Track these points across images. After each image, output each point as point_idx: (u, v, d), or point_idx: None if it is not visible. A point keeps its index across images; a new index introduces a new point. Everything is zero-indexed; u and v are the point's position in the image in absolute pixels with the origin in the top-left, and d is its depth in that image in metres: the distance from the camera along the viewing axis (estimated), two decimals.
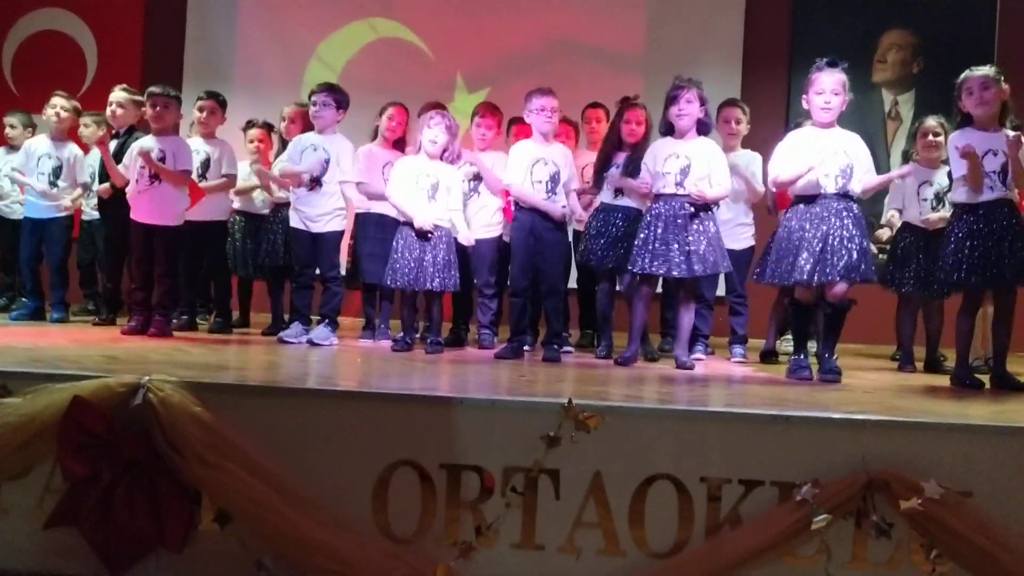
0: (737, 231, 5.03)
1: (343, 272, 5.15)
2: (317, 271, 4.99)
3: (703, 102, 4.39)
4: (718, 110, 5.08)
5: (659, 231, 4.30)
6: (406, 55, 7.11)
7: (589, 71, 6.81)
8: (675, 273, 4.26)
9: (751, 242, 5.09)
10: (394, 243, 4.65)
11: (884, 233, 5.09)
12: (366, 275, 5.24)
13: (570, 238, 4.94)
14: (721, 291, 5.16)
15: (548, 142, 4.68)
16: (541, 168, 4.64)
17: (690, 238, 4.26)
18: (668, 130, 4.45)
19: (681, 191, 4.31)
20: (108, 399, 2.85)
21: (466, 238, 4.60)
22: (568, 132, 5.34)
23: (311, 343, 4.79)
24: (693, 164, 4.35)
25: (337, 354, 4.58)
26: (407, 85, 6.54)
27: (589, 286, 5.34)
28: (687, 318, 4.45)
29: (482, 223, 5.08)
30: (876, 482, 2.76)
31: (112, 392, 2.86)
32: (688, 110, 4.37)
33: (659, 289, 4.76)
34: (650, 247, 4.29)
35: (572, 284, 5.39)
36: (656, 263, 4.29)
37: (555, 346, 4.60)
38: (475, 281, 5.11)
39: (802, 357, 4.15)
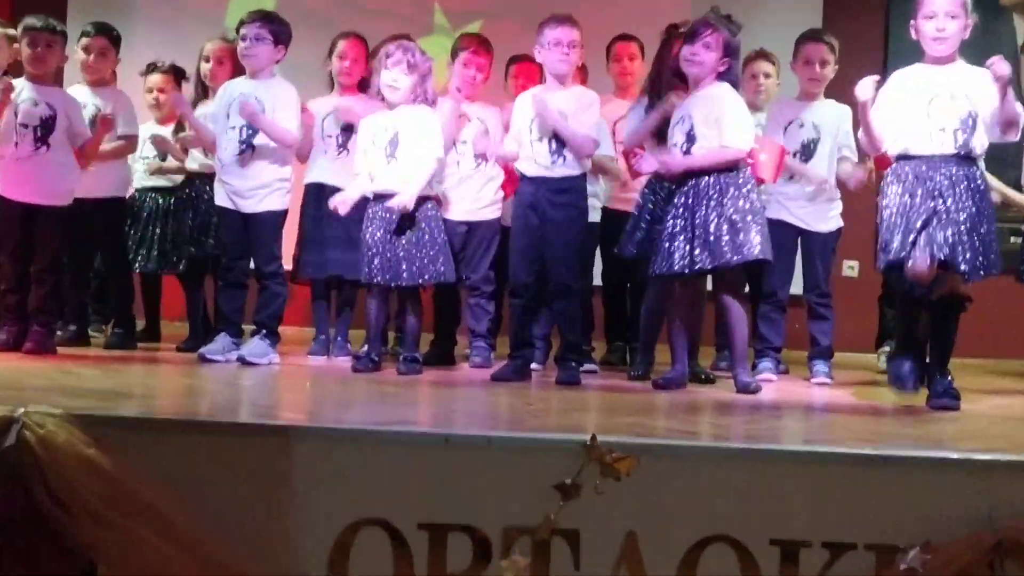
0: (819, 209, 5.06)
1: (287, 266, 5.22)
2: (251, 264, 5.03)
3: (729, 52, 4.43)
4: (796, 46, 5.09)
5: (671, 221, 4.42)
6: None
7: None
8: (676, 269, 4.37)
9: (839, 222, 5.13)
10: (363, 224, 4.73)
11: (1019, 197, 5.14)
12: (305, 267, 5.30)
13: (591, 217, 4.96)
14: (798, 287, 5.20)
15: (564, 86, 4.66)
16: (544, 122, 4.61)
17: (697, 221, 4.34)
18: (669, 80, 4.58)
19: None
20: None
21: (400, 203, 4.57)
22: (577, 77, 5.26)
23: (243, 361, 4.82)
24: (696, 124, 4.41)
25: (279, 376, 4.64)
26: (368, 20, 6.57)
27: (619, 282, 5.40)
28: (737, 324, 4.48)
29: (484, 201, 5.16)
30: (1007, 544, 2.76)
31: None
32: (702, 57, 4.42)
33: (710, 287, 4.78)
34: (664, 241, 4.42)
35: (597, 280, 5.43)
36: (666, 260, 4.39)
37: (572, 363, 4.62)
38: (466, 277, 5.14)
39: (906, 364, 4.12)
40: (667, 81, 4.71)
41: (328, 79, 5.41)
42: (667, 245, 4.43)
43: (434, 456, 2.90)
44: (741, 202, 4.38)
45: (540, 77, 4.88)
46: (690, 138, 4.45)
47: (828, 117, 5.05)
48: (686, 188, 4.43)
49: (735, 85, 4.53)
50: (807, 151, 5.06)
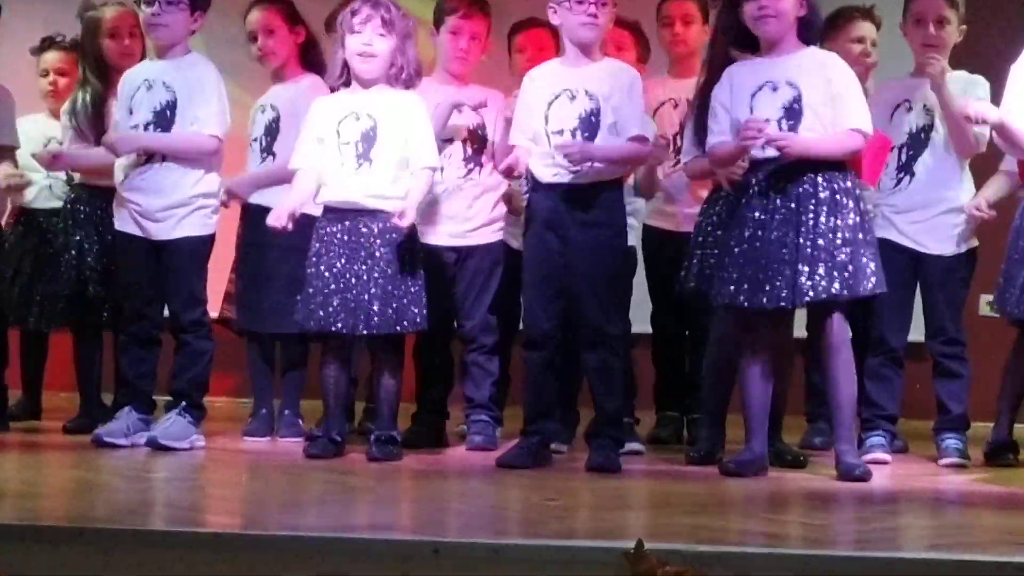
0: (939, 223, 5.01)
1: (213, 312, 5.24)
2: (164, 311, 5.05)
3: None
4: (905, 1, 5.06)
5: (754, 232, 4.45)
6: None
7: None
8: (769, 301, 4.40)
9: (973, 241, 5.06)
10: (310, 252, 4.73)
11: None
12: (241, 316, 5.34)
13: (632, 240, 5.00)
14: (918, 334, 5.18)
15: (588, 58, 4.71)
16: (564, 107, 4.65)
17: (804, 233, 4.36)
18: (741, 43, 4.59)
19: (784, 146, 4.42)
20: None
21: (407, 220, 4.62)
22: (623, 40, 5.30)
23: (156, 446, 4.82)
24: (806, 94, 4.45)
25: (205, 466, 4.62)
26: None
27: (674, 330, 5.40)
28: (843, 382, 4.48)
29: (480, 219, 5.19)
30: None
31: None
32: (778, 5, 4.45)
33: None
34: (738, 263, 4.46)
35: (643, 326, 5.44)
36: (748, 289, 4.43)
37: (610, 442, 4.64)
38: (461, 324, 5.18)
39: None
40: (721, 57, 4.74)
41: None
42: (746, 269, 4.44)
43: (421, 573, 2.89)
44: (855, 215, 4.43)
45: (556, 48, 4.91)
46: (792, 113, 4.47)
47: (954, 90, 4.95)
48: (787, 188, 4.45)
49: (817, 36, 4.59)
50: (915, 143, 5.04)
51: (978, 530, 3.53)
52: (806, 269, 4.37)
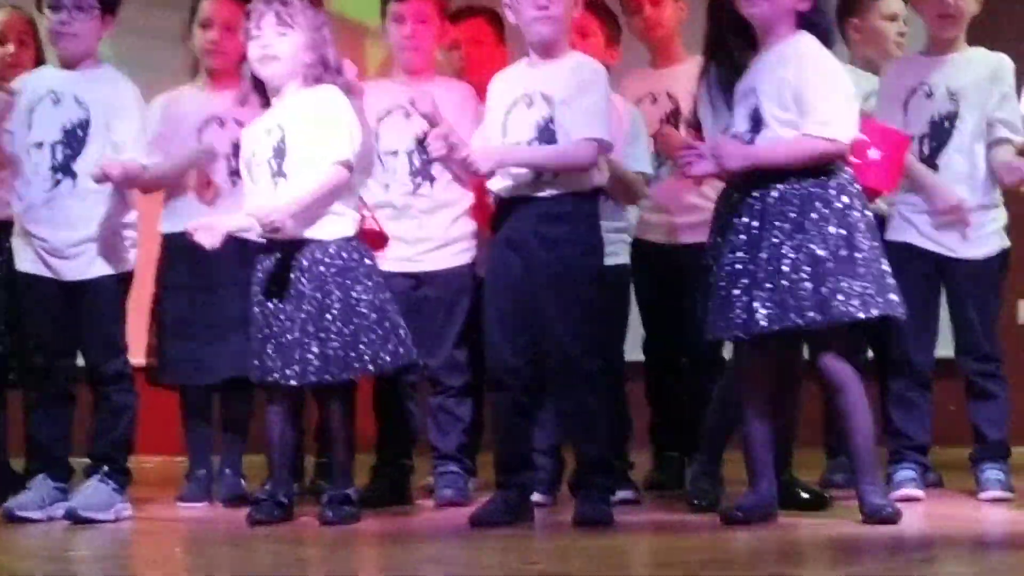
0: (976, 218, 4.97)
1: (136, 359, 5.16)
2: (80, 361, 5.00)
3: None
4: None
5: (729, 252, 4.47)
6: None
7: None
8: (738, 329, 4.42)
9: (1000, 241, 5.06)
10: (252, 291, 4.74)
11: None
12: (174, 367, 5.25)
13: (617, 258, 5.05)
14: (948, 349, 5.13)
15: (551, 56, 4.68)
16: (521, 115, 4.64)
17: (762, 254, 4.38)
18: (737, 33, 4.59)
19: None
20: None
21: (259, 218, 4.58)
22: (588, 24, 5.20)
23: (75, 518, 4.78)
24: (764, 100, 4.44)
25: (133, 540, 4.62)
26: None
27: (671, 359, 5.41)
28: (854, 413, 4.45)
29: (434, 239, 5.15)
30: None
31: None
32: None
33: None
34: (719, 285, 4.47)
35: (636, 354, 5.40)
36: (722, 314, 4.44)
37: (597, 491, 4.60)
38: (424, 363, 5.12)
39: None
40: (728, 41, 4.70)
41: (192, 61, 5.44)
42: (723, 290, 4.44)
43: None
44: (836, 228, 4.37)
45: (498, 40, 4.99)
46: (757, 123, 4.47)
47: (971, 77, 5.00)
48: (750, 201, 4.45)
49: (826, 38, 4.53)
50: (939, 133, 5.02)
51: None
52: (763, 295, 4.35)
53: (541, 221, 4.58)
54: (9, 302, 5.22)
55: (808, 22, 4.49)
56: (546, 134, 4.61)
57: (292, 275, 4.65)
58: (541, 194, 4.58)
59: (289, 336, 4.63)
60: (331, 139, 4.68)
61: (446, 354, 5.12)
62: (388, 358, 4.70)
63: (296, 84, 4.74)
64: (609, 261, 4.92)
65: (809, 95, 4.41)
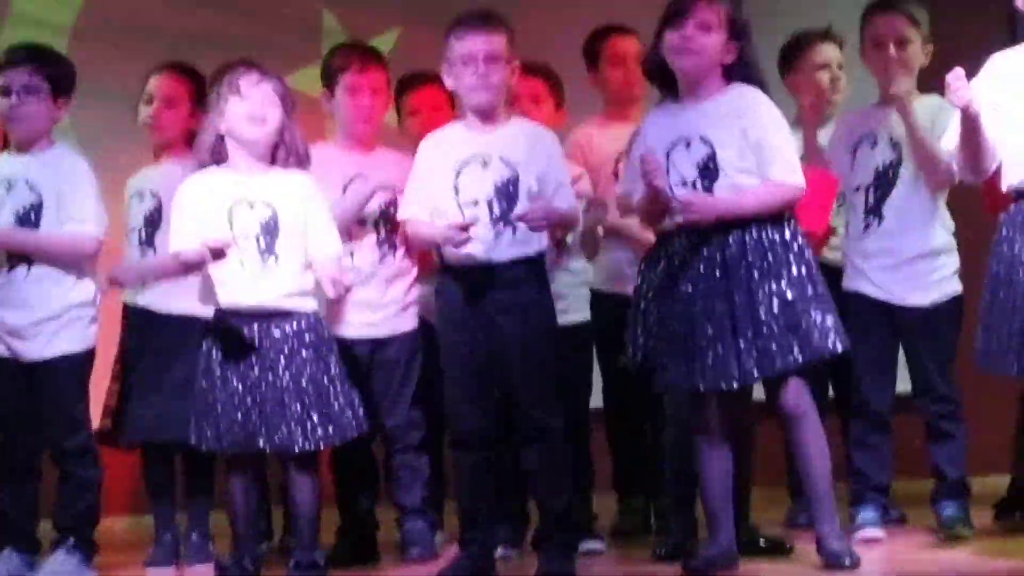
0: (916, 271, 5.00)
1: (96, 418, 5.21)
2: (43, 439, 5.03)
3: (736, 33, 4.50)
4: (862, 23, 5.10)
5: (687, 306, 4.47)
6: None
7: None
8: (711, 383, 4.44)
9: (954, 286, 5.06)
10: (202, 361, 4.69)
11: None
12: (131, 426, 5.26)
13: (577, 314, 5.15)
14: (905, 384, 5.18)
15: (492, 122, 4.71)
16: (476, 175, 4.66)
17: (738, 302, 4.41)
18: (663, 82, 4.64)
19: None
20: None
21: (342, 288, 4.69)
22: (538, 90, 5.33)
23: None
24: (720, 147, 4.46)
25: None
26: (219, 36, 6.78)
27: (630, 404, 5.40)
28: (812, 453, 4.48)
29: (395, 306, 5.22)
30: None
31: None
32: (700, 42, 4.46)
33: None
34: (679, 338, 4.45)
35: (594, 399, 5.45)
36: (686, 369, 4.46)
37: (560, 546, 4.63)
38: (381, 423, 5.16)
39: None
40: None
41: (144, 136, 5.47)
42: (678, 347, 4.45)
43: None
44: (797, 269, 4.41)
45: (451, 107, 4.98)
46: (706, 172, 4.48)
47: (923, 116, 4.96)
48: (712, 252, 4.45)
49: (756, 79, 4.59)
50: (882, 183, 5.04)
51: None
52: (746, 345, 4.37)
53: (503, 287, 4.60)
54: None
55: (737, 75, 4.53)
56: (506, 194, 4.64)
57: (282, 346, 4.64)
58: (500, 258, 4.60)
59: (277, 404, 4.61)
60: (329, 232, 4.73)
61: (404, 413, 5.14)
62: (353, 427, 4.70)
63: (266, 157, 4.71)
64: (573, 318, 5.05)
65: (772, 143, 4.47)
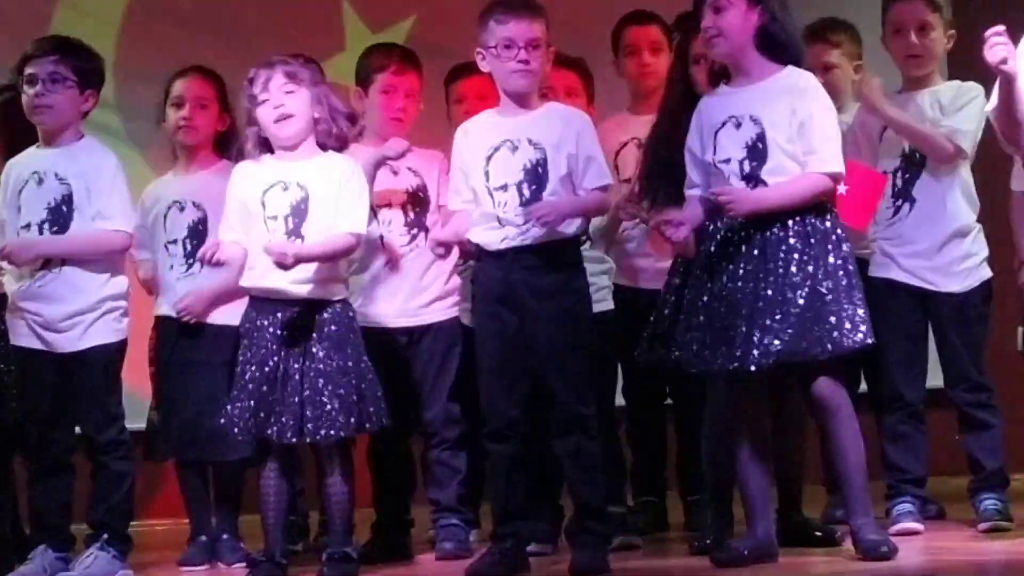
0: (946, 258, 5.01)
1: (133, 424, 5.22)
2: (76, 430, 5.05)
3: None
4: (883, 10, 5.10)
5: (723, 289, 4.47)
6: None
7: None
8: (741, 363, 4.40)
9: (982, 273, 5.08)
10: (241, 349, 4.73)
11: None
12: (167, 440, 5.32)
13: (605, 303, 5.07)
14: (935, 379, 5.16)
15: (526, 107, 4.73)
16: (505, 159, 4.67)
17: (769, 292, 4.40)
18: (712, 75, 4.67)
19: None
20: None
21: (278, 250, 4.56)
22: (572, 83, 5.35)
23: None
24: (769, 128, 4.48)
25: None
26: (244, 34, 6.76)
27: (651, 399, 5.43)
28: (845, 444, 4.47)
29: (434, 291, 5.20)
30: None
31: None
32: (723, 21, 4.47)
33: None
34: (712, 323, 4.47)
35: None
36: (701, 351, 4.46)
37: (594, 538, 4.64)
38: (419, 416, 5.19)
39: None
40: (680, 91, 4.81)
41: (170, 143, 5.53)
42: (708, 328, 4.45)
43: None
44: (833, 259, 4.42)
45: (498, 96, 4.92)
46: (755, 153, 4.50)
47: (936, 109, 5.02)
48: (752, 236, 4.46)
49: (795, 48, 4.58)
50: (910, 165, 5.06)
51: None
52: (774, 326, 4.36)
53: (532, 273, 4.61)
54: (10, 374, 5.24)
55: (767, 37, 4.51)
56: (535, 177, 4.65)
57: (305, 334, 4.63)
58: (528, 241, 4.60)
59: (299, 393, 4.60)
60: (354, 210, 4.71)
61: (441, 406, 5.16)
62: (384, 418, 4.71)
63: (311, 140, 4.73)
64: (597, 308, 4.95)
65: (815, 130, 4.48)
